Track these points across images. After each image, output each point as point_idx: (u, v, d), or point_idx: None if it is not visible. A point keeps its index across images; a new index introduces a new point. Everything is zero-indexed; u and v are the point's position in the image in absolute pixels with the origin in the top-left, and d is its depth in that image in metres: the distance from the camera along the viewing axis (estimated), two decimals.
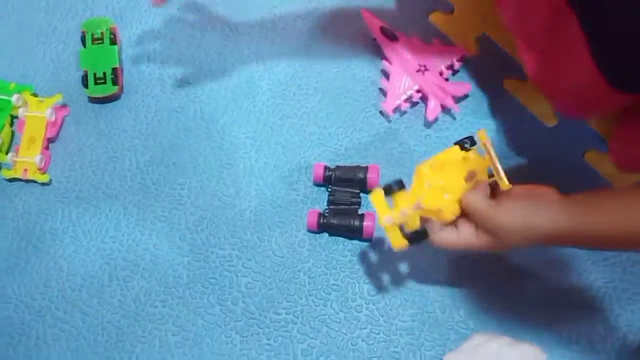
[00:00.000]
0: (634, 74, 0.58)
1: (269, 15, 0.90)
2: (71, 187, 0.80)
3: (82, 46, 0.86)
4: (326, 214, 0.76)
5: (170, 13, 0.90)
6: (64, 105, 0.84)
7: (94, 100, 0.85)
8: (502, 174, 0.61)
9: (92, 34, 0.86)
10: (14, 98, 0.82)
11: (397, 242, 0.63)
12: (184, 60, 0.87)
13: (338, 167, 0.77)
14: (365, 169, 0.76)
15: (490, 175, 0.61)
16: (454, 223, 0.62)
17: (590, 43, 0.59)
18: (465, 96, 0.82)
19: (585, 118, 0.78)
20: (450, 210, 0.60)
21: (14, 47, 0.89)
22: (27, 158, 0.80)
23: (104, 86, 0.83)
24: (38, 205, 0.79)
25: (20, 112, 0.82)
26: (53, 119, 0.82)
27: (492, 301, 0.73)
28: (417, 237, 0.63)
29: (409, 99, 0.81)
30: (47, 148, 0.82)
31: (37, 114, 0.81)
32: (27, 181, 0.80)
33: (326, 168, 0.77)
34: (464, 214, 0.61)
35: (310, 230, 0.77)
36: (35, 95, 0.84)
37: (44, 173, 0.80)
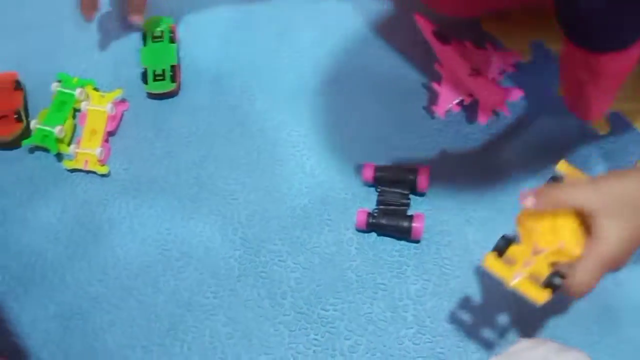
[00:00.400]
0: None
1: (322, 17, 0.91)
2: (129, 179, 0.83)
3: (142, 44, 0.89)
4: (375, 214, 0.77)
5: (226, 13, 0.93)
6: (123, 100, 0.87)
7: (152, 96, 0.88)
8: None
9: (153, 33, 0.89)
10: (77, 92, 0.85)
11: (539, 295, 0.57)
12: (240, 59, 0.90)
13: (388, 168, 0.79)
14: (416, 170, 0.77)
15: None
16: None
17: None
18: (517, 101, 0.82)
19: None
20: (574, 242, 0.57)
21: (77, 43, 0.93)
22: (88, 150, 0.83)
23: (163, 83, 0.86)
24: (97, 196, 0.82)
25: (82, 105, 0.85)
26: (113, 113, 0.85)
27: (536, 308, 0.73)
28: (554, 281, 0.58)
29: (460, 103, 0.81)
30: (107, 141, 0.85)
31: (98, 108, 0.84)
32: (88, 172, 0.83)
33: (376, 168, 0.79)
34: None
35: (358, 230, 0.78)
36: (96, 89, 0.87)
37: (103, 165, 0.83)
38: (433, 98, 0.83)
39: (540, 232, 0.58)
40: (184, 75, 0.89)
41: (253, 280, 0.77)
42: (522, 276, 0.58)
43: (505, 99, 0.80)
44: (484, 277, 0.75)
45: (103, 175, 0.83)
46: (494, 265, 0.59)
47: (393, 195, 0.77)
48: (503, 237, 0.60)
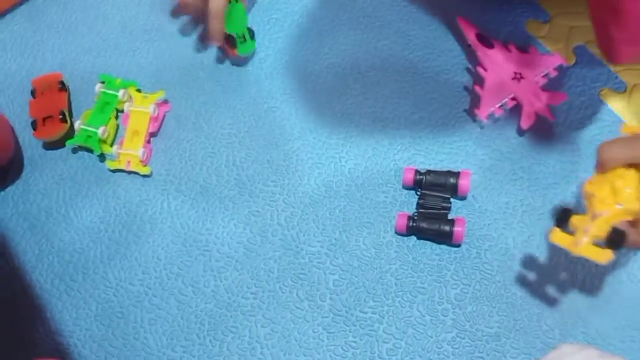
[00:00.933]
0: None
1: (364, 18, 0.91)
2: (170, 179, 0.84)
3: None
4: (415, 218, 0.77)
5: (267, 16, 0.93)
6: (165, 102, 0.88)
7: (232, 61, 0.91)
8: None
9: None
10: (120, 93, 0.86)
11: (601, 256, 0.61)
12: (281, 62, 0.90)
13: (429, 172, 0.78)
14: (457, 174, 0.77)
15: None
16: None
17: None
18: (560, 104, 0.81)
19: None
20: (633, 199, 0.60)
21: (119, 44, 0.94)
22: (131, 150, 0.84)
23: (249, 43, 0.88)
24: (139, 196, 0.83)
25: (125, 106, 0.86)
26: (156, 114, 0.86)
27: (580, 311, 0.72)
28: (615, 239, 0.61)
29: (503, 106, 0.80)
30: (149, 142, 0.85)
31: (141, 109, 0.85)
32: (129, 172, 0.84)
33: (417, 172, 0.78)
34: None
35: (398, 233, 0.78)
36: (139, 91, 0.88)
37: (145, 165, 0.84)
38: (475, 101, 0.82)
39: (598, 198, 0.61)
40: (226, 78, 0.89)
41: (292, 282, 0.77)
42: (583, 242, 0.60)
43: (549, 103, 0.80)
44: (525, 282, 0.74)
45: (145, 176, 0.84)
46: (559, 239, 0.63)
47: (434, 199, 0.77)
48: (562, 209, 0.63)
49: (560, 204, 0.65)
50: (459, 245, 0.76)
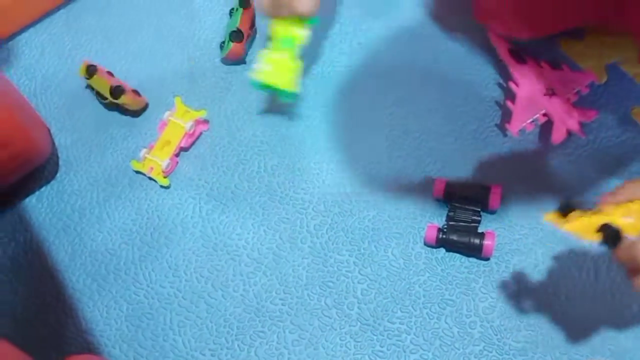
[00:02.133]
0: None
1: (396, 29, 0.92)
2: (202, 185, 0.85)
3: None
4: (445, 230, 0.77)
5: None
6: (205, 121, 0.88)
7: (224, 62, 0.93)
8: None
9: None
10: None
11: (588, 233, 0.61)
12: (314, 73, 0.91)
13: (460, 184, 0.79)
14: (488, 188, 0.77)
15: None
16: None
17: None
18: (592, 121, 0.81)
19: None
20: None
21: (154, 51, 0.95)
22: (157, 158, 0.85)
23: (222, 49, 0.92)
24: (171, 200, 0.84)
25: (165, 114, 0.87)
26: (191, 131, 0.86)
27: (607, 327, 0.72)
28: (607, 234, 0.61)
29: (534, 122, 0.81)
30: (177, 155, 0.86)
31: (179, 122, 0.86)
32: (150, 179, 0.85)
33: (448, 184, 0.79)
34: None
35: (427, 245, 0.78)
36: (184, 103, 0.89)
37: (166, 177, 0.85)
38: (506, 116, 0.82)
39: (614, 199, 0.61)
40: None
41: (320, 289, 0.78)
42: (574, 221, 0.61)
43: (580, 120, 0.80)
44: (553, 297, 0.74)
45: (162, 187, 0.85)
46: (552, 218, 0.63)
47: (464, 212, 0.77)
48: (567, 202, 0.63)
49: (567, 199, 0.65)
50: (488, 259, 0.77)
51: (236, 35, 0.90)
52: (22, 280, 0.82)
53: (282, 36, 0.82)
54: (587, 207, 0.63)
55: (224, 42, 0.92)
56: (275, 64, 0.82)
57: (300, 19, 0.80)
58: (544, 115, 0.81)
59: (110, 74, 0.91)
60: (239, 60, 0.92)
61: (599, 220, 0.61)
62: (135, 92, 0.89)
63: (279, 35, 0.82)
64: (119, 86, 0.87)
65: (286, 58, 0.82)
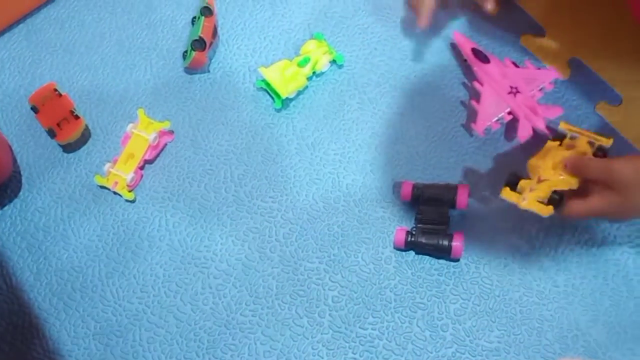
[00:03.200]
0: None
1: (360, 34, 0.92)
2: (168, 197, 0.83)
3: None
4: (414, 232, 0.77)
5: (263, 33, 0.94)
6: (170, 132, 0.87)
7: (188, 71, 0.92)
8: (599, 136, 0.74)
9: (200, 10, 0.92)
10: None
11: (544, 210, 0.70)
12: None
13: (427, 186, 0.78)
14: (455, 188, 0.77)
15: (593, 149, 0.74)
16: (580, 195, 0.70)
17: None
18: (557, 118, 0.81)
19: None
20: (567, 178, 0.71)
21: (116, 63, 0.94)
22: (121, 172, 0.83)
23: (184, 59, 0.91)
24: (137, 214, 0.83)
25: (128, 127, 0.86)
26: (155, 143, 0.85)
27: (580, 325, 0.72)
28: (554, 200, 0.71)
29: (499, 120, 0.81)
30: (141, 168, 0.85)
31: (142, 134, 0.85)
32: (115, 193, 0.84)
33: (415, 187, 0.78)
34: (588, 181, 0.69)
35: (397, 248, 0.78)
36: (146, 115, 0.87)
37: (130, 191, 0.83)
38: (472, 116, 0.82)
39: (543, 168, 0.72)
40: (223, 94, 0.89)
41: (291, 299, 0.77)
42: (529, 199, 0.71)
43: (545, 117, 0.80)
44: (525, 296, 0.74)
45: (128, 201, 0.83)
46: (508, 195, 0.72)
47: (432, 214, 0.77)
48: (512, 173, 0.74)
49: (512, 171, 0.74)
50: (458, 260, 0.76)
51: (198, 44, 0.89)
52: None
53: (304, 54, 0.88)
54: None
55: (186, 52, 0.91)
56: (282, 71, 0.87)
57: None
58: (509, 113, 0.81)
59: (58, 96, 0.89)
60: (202, 69, 0.91)
61: (544, 190, 0.71)
62: (73, 117, 0.87)
63: (302, 53, 0.89)
64: (51, 129, 0.86)
65: (296, 71, 0.87)
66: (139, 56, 0.94)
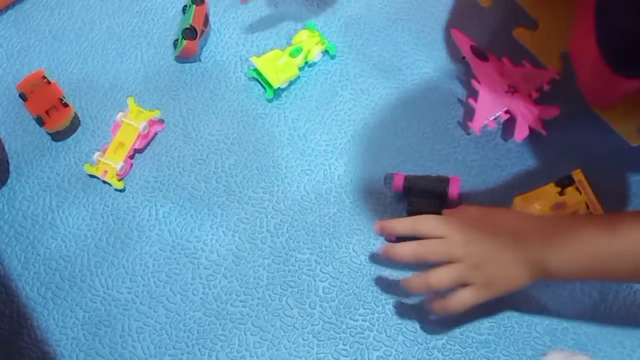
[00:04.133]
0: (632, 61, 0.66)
1: (355, 24, 0.91)
2: (158, 186, 0.83)
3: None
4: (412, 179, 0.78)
5: (259, 22, 0.93)
6: (160, 121, 0.87)
7: (177, 60, 0.91)
8: (599, 208, 0.73)
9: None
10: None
11: None
12: None
13: (419, 178, 0.78)
14: (447, 180, 0.77)
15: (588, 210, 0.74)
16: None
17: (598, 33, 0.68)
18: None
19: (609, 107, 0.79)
20: None
21: (106, 50, 0.93)
22: (110, 161, 0.82)
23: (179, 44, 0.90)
24: (127, 203, 0.82)
25: (118, 116, 0.85)
26: (145, 132, 0.84)
27: (570, 318, 0.73)
28: None
29: (496, 119, 0.81)
30: (131, 157, 0.84)
31: (132, 123, 0.84)
32: (104, 182, 0.83)
33: (406, 178, 0.78)
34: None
35: (389, 239, 0.77)
36: (137, 104, 0.87)
37: (120, 180, 0.83)
38: (469, 113, 0.82)
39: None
40: (215, 84, 0.89)
41: (281, 289, 0.76)
42: None
43: (542, 117, 0.80)
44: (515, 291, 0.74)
45: (117, 190, 0.83)
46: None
47: (424, 205, 0.77)
48: None
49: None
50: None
51: (189, 33, 0.88)
52: None
53: (297, 43, 0.88)
54: None
55: (177, 40, 0.90)
56: (274, 60, 0.86)
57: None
58: (507, 112, 0.80)
59: (47, 84, 0.88)
60: (193, 58, 0.90)
61: None
62: (62, 105, 0.86)
63: (295, 43, 0.88)
64: (39, 116, 0.85)
65: (288, 61, 0.86)
66: (129, 44, 0.93)
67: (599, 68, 0.69)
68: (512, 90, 0.80)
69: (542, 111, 0.80)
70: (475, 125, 0.80)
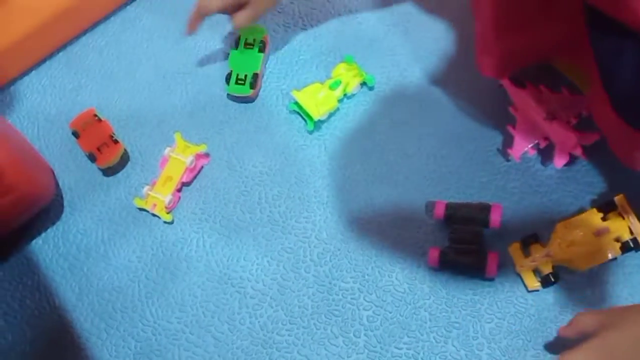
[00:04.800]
0: None
1: (392, 55, 0.93)
2: (205, 218, 0.85)
3: (235, 48, 0.95)
4: (447, 252, 0.77)
5: (295, 57, 0.96)
6: (206, 154, 0.89)
7: (231, 97, 0.93)
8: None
9: (246, 39, 0.94)
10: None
11: (530, 283, 0.76)
12: None
13: (460, 205, 0.79)
14: (488, 208, 0.77)
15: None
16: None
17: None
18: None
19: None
20: (583, 261, 0.74)
21: (153, 87, 0.97)
22: (159, 195, 0.85)
23: (242, 87, 0.92)
24: (175, 235, 0.85)
25: (166, 151, 0.88)
26: (192, 165, 0.87)
27: None
28: (547, 280, 0.76)
29: (536, 146, 0.81)
30: (179, 190, 0.87)
31: (180, 157, 0.87)
32: (153, 215, 0.86)
33: (447, 206, 0.79)
34: None
35: (431, 267, 0.78)
36: (184, 139, 0.90)
37: (169, 212, 0.85)
38: (508, 141, 0.82)
39: (557, 244, 0.74)
40: (257, 119, 0.91)
41: (326, 318, 0.78)
42: (526, 266, 0.76)
43: (582, 143, 0.80)
44: (559, 316, 0.74)
45: (166, 222, 0.86)
46: (514, 251, 0.77)
47: (465, 233, 0.77)
48: (532, 235, 0.78)
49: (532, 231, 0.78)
50: (492, 279, 0.77)
51: (254, 81, 0.91)
52: (31, 322, 0.82)
53: (336, 77, 0.90)
54: (545, 241, 0.77)
55: (229, 75, 0.92)
56: (314, 93, 0.89)
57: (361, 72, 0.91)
58: (546, 139, 0.81)
59: (98, 121, 0.92)
60: (248, 100, 0.93)
61: (545, 266, 0.75)
62: (113, 142, 0.90)
63: (334, 76, 0.91)
64: (91, 153, 0.89)
65: (327, 94, 0.89)
66: (174, 81, 0.97)
67: (618, 127, 0.69)
68: (551, 117, 0.81)
69: (581, 138, 0.80)
70: (515, 152, 0.80)
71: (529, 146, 0.80)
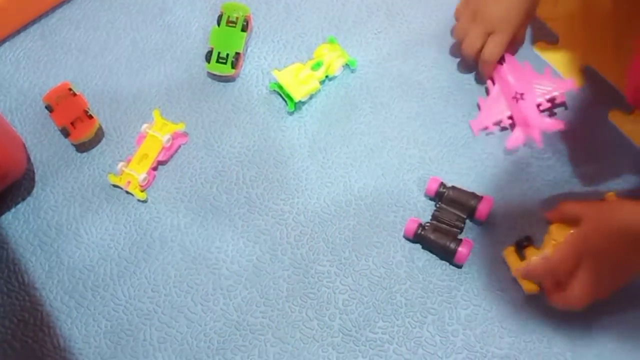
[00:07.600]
0: None
1: (375, 38, 0.92)
2: (180, 197, 0.84)
3: (216, 25, 0.93)
4: (426, 227, 0.77)
5: (277, 38, 0.94)
6: (184, 134, 0.88)
7: (210, 76, 0.92)
8: None
9: (228, 16, 0.93)
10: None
11: (528, 288, 0.74)
12: None
13: (453, 188, 0.78)
14: (480, 198, 0.77)
15: None
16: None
17: None
18: (571, 126, 0.81)
19: None
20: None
21: (130, 64, 0.94)
22: (134, 172, 0.84)
23: (224, 66, 0.90)
24: (149, 214, 0.83)
25: (143, 127, 0.86)
26: (169, 144, 0.85)
27: (590, 334, 0.72)
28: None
29: (498, 123, 0.80)
30: (154, 169, 0.85)
31: (156, 135, 0.85)
32: (127, 193, 0.84)
33: (442, 184, 0.79)
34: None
35: (405, 237, 0.78)
36: (162, 116, 0.88)
37: (143, 191, 0.84)
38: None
39: (553, 243, 0.73)
40: (237, 98, 0.90)
41: (301, 301, 0.77)
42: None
43: (541, 129, 0.79)
44: (536, 304, 0.74)
45: (140, 201, 0.84)
46: (508, 256, 0.76)
47: (449, 215, 0.77)
48: (526, 237, 0.76)
49: (526, 234, 0.76)
50: (460, 266, 0.76)
51: (236, 60, 0.90)
52: None
53: (318, 57, 0.89)
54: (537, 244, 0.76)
55: (209, 53, 0.90)
56: (295, 74, 0.87)
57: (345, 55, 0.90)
58: (510, 118, 0.80)
59: (72, 96, 0.89)
60: (229, 79, 0.92)
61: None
62: (87, 117, 0.87)
63: (316, 57, 0.89)
64: (64, 128, 0.87)
65: (309, 74, 0.87)
66: (153, 57, 0.95)
67: None
68: (519, 96, 0.80)
69: (542, 123, 0.79)
70: (475, 125, 0.79)
71: (491, 122, 0.79)
